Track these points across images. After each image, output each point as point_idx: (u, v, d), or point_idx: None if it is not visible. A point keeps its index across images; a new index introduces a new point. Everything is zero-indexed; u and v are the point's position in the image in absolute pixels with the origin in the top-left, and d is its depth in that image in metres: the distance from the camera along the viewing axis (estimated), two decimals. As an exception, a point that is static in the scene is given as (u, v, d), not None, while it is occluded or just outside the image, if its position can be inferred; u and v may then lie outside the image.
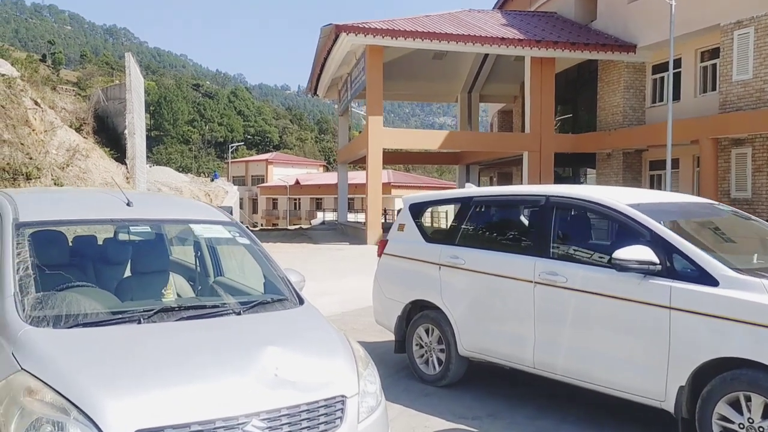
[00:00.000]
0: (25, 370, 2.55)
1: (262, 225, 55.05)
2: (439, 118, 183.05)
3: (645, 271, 4.19)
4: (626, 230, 4.61)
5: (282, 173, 68.96)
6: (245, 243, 3.96)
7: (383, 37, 20.71)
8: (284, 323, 3.27)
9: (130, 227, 3.86)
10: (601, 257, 4.75)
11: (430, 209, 6.30)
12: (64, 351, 2.66)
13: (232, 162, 74.47)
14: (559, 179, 25.37)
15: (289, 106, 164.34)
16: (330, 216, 47.88)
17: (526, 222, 5.55)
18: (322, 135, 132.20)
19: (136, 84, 34.13)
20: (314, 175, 71.26)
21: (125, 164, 26.44)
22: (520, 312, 5.02)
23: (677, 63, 22.13)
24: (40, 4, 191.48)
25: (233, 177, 67.68)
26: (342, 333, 3.35)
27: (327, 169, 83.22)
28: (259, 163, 74.99)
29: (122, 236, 4.06)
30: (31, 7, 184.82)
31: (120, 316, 3.02)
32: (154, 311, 3.08)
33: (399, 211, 7.11)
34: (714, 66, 20.79)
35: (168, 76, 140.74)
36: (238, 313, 3.24)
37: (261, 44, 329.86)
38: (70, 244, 3.91)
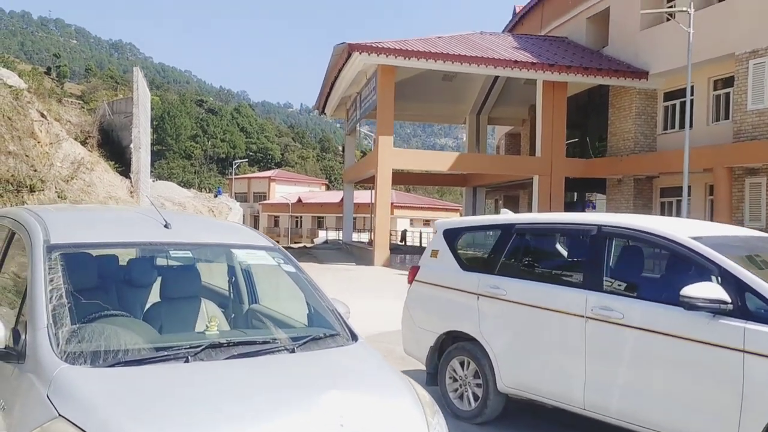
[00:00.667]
0: (63, 417, 2.25)
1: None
2: (440, 139, 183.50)
3: (715, 310, 3.89)
4: (688, 265, 4.33)
5: (284, 191, 68.77)
6: (290, 271, 3.67)
7: (396, 57, 20.60)
8: (342, 363, 2.97)
9: (170, 251, 3.56)
10: (661, 293, 4.46)
11: (466, 235, 6.01)
12: (107, 395, 2.36)
13: (234, 178, 74.28)
14: (566, 205, 25.14)
15: (291, 124, 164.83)
16: (332, 235, 47.57)
17: (574, 253, 5.26)
18: (324, 153, 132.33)
19: (143, 98, 34.02)
20: (316, 193, 71.09)
21: (129, 178, 26.20)
22: (569, 348, 4.71)
23: (691, 90, 22.04)
24: (47, 18, 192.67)
25: (235, 193, 67.43)
26: (405, 376, 3.05)
27: (328, 188, 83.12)
28: (262, 180, 74.82)
29: (161, 261, 3.76)
30: (37, 20, 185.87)
31: (165, 353, 2.72)
32: (202, 347, 2.78)
33: (426, 235, 6.80)
34: (727, 95, 20.67)
35: (172, 91, 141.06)
36: (292, 351, 2.94)
37: (264, 62, 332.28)
38: (98, 266, 3.61)
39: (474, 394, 5.48)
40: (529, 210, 30.68)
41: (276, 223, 68.27)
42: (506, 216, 5.72)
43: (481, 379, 5.39)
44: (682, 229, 4.49)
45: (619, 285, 4.63)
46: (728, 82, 20.51)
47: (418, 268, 6.23)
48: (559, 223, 5.34)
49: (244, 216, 47.45)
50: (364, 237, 39.78)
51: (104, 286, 3.62)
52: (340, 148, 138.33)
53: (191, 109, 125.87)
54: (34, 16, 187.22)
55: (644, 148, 22.98)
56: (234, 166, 72.14)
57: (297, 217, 64.82)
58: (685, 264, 4.38)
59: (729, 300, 3.86)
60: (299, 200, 63.01)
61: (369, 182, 31.50)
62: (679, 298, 3.95)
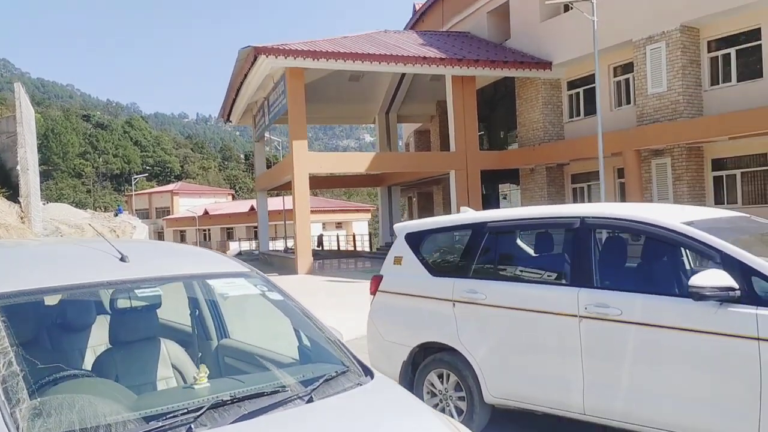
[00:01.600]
0: None
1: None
2: (342, 141, 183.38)
3: (723, 298, 3.70)
4: (683, 252, 4.14)
5: (189, 204, 66.19)
6: (277, 299, 3.14)
7: (304, 59, 20.03)
8: (373, 410, 2.49)
9: (135, 290, 2.92)
10: (659, 285, 4.25)
11: (430, 238, 5.62)
12: None
13: (135, 194, 70.74)
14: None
15: (188, 134, 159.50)
16: (246, 245, 46.16)
17: (556, 248, 4.99)
18: (226, 162, 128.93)
19: (26, 116, 31.52)
20: (223, 204, 68.92)
21: (18, 202, 24.22)
22: (563, 351, 4.42)
23: (592, 79, 22.76)
24: None
25: (136, 210, 64.23)
26: (439, 413, 2.62)
27: (234, 198, 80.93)
28: (164, 195, 71.66)
29: (122, 303, 3.12)
30: None
31: (159, 423, 2.14)
32: (203, 410, 2.22)
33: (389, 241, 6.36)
34: (627, 80, 21.51)
35: (54, 107, 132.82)
36: (309, 400, 2.42)
37: (154, 71, 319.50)
38: (34, 314, 2.94)
39: (457, 407, 5.11)
40: (446, 206, 30.90)
41: (183, 238, 65.63)
42: (473, 214, 5.39)
43: (464, 392, 5.03)
44: (671, 215, 4.30)
45: (612, 279, 4.38)
46: (627, 68, 21.34)
47: (381, 277, 5.79)
48: (536, 218, 5.05)
49: (149, 233, 45.14)
50: (279, 245, 38.80)
51: (43, 337, 2.96)
52: (242, 156, 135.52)
53: (77, 124, 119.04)
54: None
55: (553, 137, 23.57)
56: (133, 182, 68.63)
57: (205, 230, 62.58)
58: (681, 252, 4.18)
59: (737, 286, 3.68)
60: (206, 212, 60.85)
61: (283, 188, 30.68)
62: (689, 289, 3.73)
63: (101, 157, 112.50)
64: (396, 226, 5.98)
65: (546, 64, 22.84)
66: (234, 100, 25.88)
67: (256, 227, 60.37)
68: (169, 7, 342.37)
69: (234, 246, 50.12)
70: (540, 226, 5.06)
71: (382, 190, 30.54)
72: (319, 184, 35.14)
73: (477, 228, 5.20)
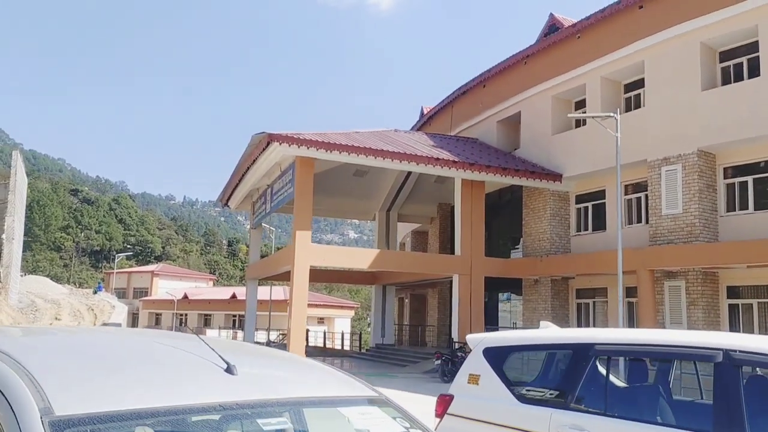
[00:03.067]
0: None
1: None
2: (326, 235, 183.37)
3: None
4: None
5: (169, 286, 64.37)
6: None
7: (317, 149, 19.70)
8: None
9: (258, 418, 2.06)
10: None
11: (516, 355, 4.82)
12: None
13: (116, 272, 68.88)
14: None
15: (173, 216, 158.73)
16: (224, 334, 44.40)
17: (688, 385, 4.20)
18: (208, 247, 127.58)
19: (20, 185, 30.76)
20: (203, 289, 67.15)
21: (-2, 272, 23.17)
22: None
23: (601, 194, 22.69)
24: None
25: (114, 289, 62.29)
26: None
27: (216, 284, 79.24)
28: (144, 275, 69.80)
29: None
30: None
31: None
32: None
33: (463, 354, 5.51)
34: (639, 199, 21.35)
35: (43, 179, 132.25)
36: None
37: (144, 152, 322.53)
38: None
39: None
40: (442, 310, 29.97)
41: (157, 321, 63.38)
42: (575, 333, 4.63)
43: None
44: None
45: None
46: (638, 187, 21.25)
47: (450, 397, 4.93)
48: (661, 345, 4.28)
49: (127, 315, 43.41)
50: (261, 336, 37.27)
51: None
52: (226, 242, 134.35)
53: (64, 198, 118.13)
54: None
55: (560, 249, 23.13)
56: (116, 260, 66.90)
57: (182, 315, 60.54)
58: None
59: None
60: (185, 296, 59.07)
61: (277, 278, 29.69)
62: None
63: (83, 232, 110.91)
64: (471, 337, 5.17)
65: (556, 176, 22.74)
66: (237, 185, 25.38)
67: (235, 316, 58.67)
68: (170, 93, 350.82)
69: (212, 333, 48.22)
70: (667, 356, 4.28)
71: (376, 288, 29.64)
72: (314, 277, 34.23)
73: (580, 349, 4.41)
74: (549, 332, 4.83)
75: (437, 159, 21.32)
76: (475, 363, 4.89)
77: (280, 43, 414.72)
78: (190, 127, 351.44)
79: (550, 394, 4.50)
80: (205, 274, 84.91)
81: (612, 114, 17.04)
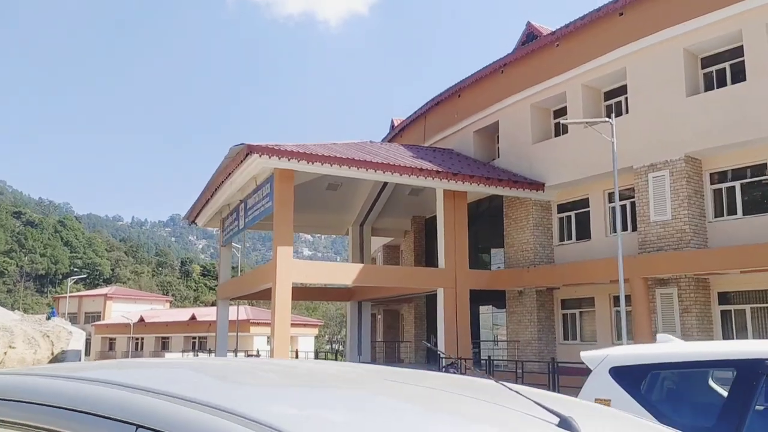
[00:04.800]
0: None
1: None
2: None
3: None
4: None
5: (123, 309, 61.73)
6: None
7: (298, 161, 18.84)
8: None
9: None
10: None
11: (660, 376, 4.12)
12: None
13: (63, 296, 65.71)
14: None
15: (122, 237, 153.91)
16: (189, 357, 42.48)
17: None
18: (160, 269, 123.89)
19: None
20: (160, 311, 64.70)
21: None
22: None
23: (585, 203, 22.45)
24: None
25: (65, 314, 59.30)
26: None
27: (171, 305, 76.66)
28: (96, 298, 66.82)
29: None
30: None
31: None
32: None
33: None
34: (623, 207, 21.12)
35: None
36: None
37: (89, 172, 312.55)
38: None
39: None
40: (420, 325, 29.25)
41: (111, 346, 60.66)
42: (739, 347, 3.97)
43: None
44: None
45: None
46: (624, 194, 21.03)
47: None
48: None
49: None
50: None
51: None
52: (179, 262, 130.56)
53: (6, 221, 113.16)
54: None
55: (543, 260, 22.76)
56: (69, 283, 63.83)
57: (138, 339, 58.07)
58: None
59: None
60: (141, 320, 56.69)
61: (252, 297, 28.47)
62: None
63: (27, 255, 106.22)
64: (586, 355, 4.45)
65: (539, 185, 22.41)
66: (208, 201, 24.20)
67: (195, 338, 56.52)
68: (115, 112, 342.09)
69: (173, 357, 46.24)
70: None
71: (351, 305, 28.72)
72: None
73: (747, 367, 3.74)
74: (696, 346, 4.16)
75: (420, 169, 20.71)
76: (603, 385, 4.16)
77: (230, 63, 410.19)
78: (138, 146, 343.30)
79: (711, 422, 3.81)
80: (159, 295, 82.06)
81: (608, 119, 16.74)
